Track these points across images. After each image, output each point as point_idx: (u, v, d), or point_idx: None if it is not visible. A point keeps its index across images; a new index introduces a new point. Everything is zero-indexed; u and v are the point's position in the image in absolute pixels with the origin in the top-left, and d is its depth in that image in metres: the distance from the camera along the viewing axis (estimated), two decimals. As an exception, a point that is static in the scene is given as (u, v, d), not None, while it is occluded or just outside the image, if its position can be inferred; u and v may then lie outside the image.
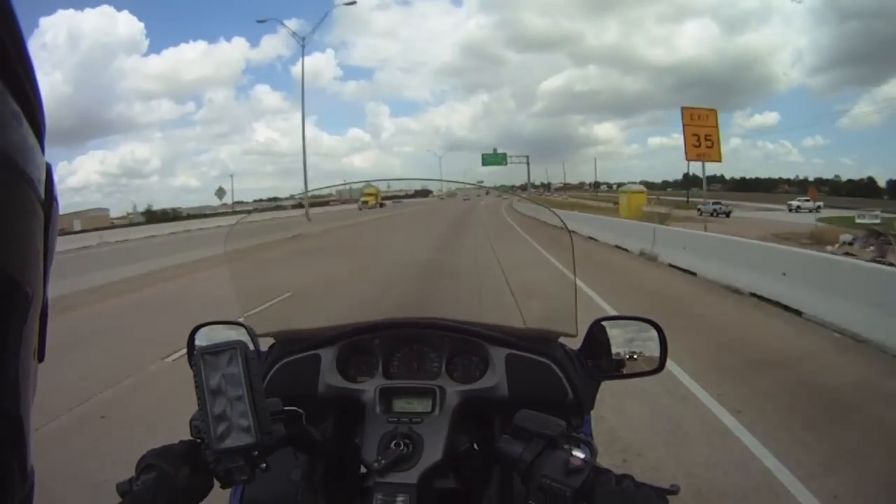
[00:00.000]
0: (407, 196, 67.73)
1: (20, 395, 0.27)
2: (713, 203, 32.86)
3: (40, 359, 0.31)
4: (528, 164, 57.68)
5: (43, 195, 0.28)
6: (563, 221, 1.24)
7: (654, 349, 0.98)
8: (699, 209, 31.11)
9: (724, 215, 31.39)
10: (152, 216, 58.39)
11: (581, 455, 0.67)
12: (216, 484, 0.70)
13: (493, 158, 50.41)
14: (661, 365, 0.97)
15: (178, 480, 0.66)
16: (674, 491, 0.64)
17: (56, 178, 0.30)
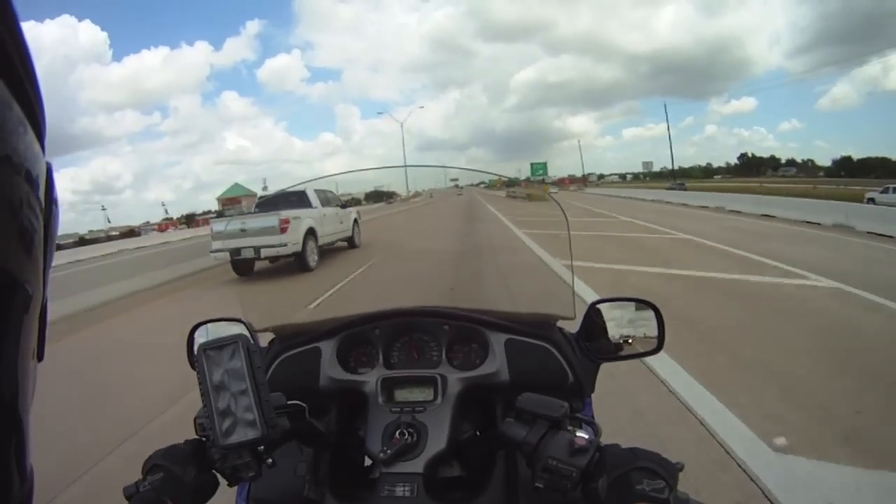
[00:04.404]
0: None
1: (20, 394, 0.27)
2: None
3: (39, 359, 0.32)
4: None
5: (43, 196, 0.29)
6: None
7: (652, 329, 0.96)
8: (870, 199, 19.75)
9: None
10: None
11: (585, 435, 0.67)
12: (223, 483, 0.70)
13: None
14: (660, 345, 0.97)
15: (185, 480, 0.66)
16: (679, 468, 0.64)
17: (56, 178, 0.31)
